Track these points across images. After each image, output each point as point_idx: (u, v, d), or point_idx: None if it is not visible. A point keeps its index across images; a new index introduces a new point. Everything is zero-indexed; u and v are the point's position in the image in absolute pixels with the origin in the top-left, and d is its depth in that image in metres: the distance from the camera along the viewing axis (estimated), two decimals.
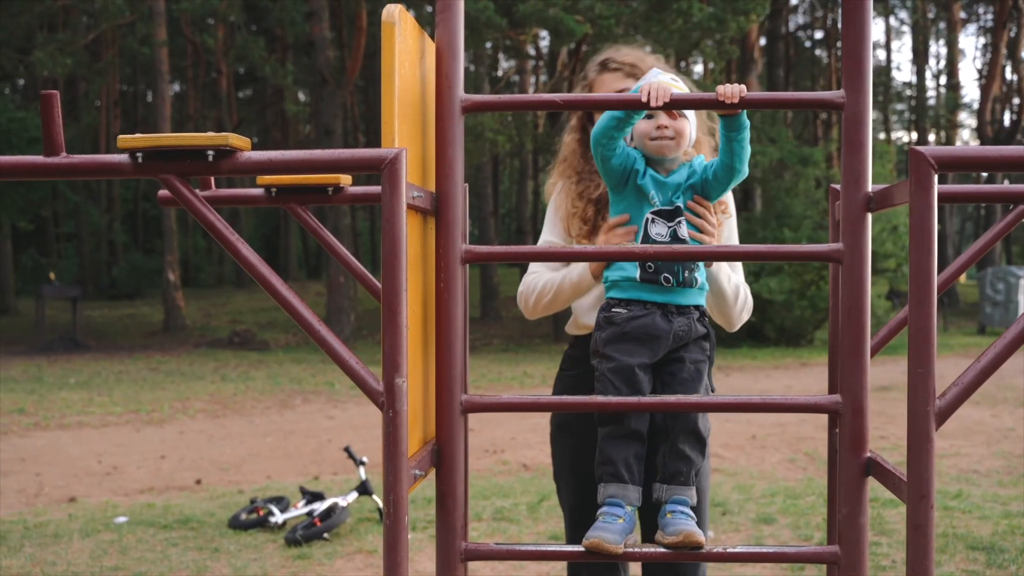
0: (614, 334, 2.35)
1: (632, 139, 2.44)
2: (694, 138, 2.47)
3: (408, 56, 2.14)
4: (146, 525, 6.15)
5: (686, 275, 2.35)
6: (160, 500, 7.15)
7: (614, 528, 2.18)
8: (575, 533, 2.84)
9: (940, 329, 25.71)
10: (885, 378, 13.23)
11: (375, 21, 26.45)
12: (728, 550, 2.22)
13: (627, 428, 2.31)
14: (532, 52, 27.34)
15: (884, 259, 21.66)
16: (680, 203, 2.37)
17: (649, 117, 2.38)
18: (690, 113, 2.45)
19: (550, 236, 2.86)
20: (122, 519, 6.33)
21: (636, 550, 2.21)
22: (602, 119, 2.34)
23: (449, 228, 2.17)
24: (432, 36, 2.24)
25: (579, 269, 2.66)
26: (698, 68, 32.72)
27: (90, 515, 6.53)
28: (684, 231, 2.35)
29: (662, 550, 2.18)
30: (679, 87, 2.37)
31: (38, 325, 23.75)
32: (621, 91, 2.79)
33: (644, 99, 2.09)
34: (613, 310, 2.38)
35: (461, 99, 2.18)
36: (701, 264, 2.43)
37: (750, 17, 20.26)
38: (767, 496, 6.69)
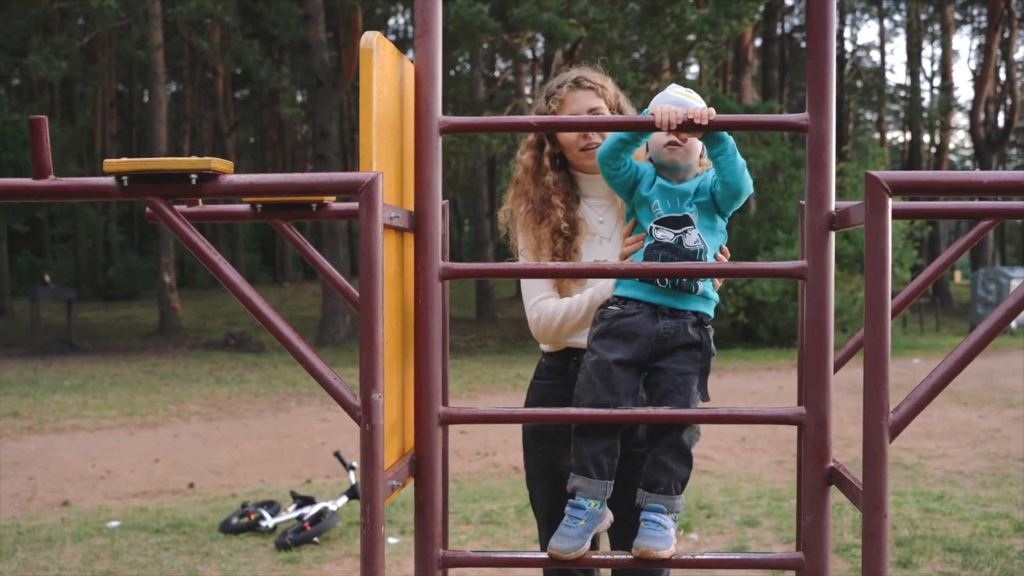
0: (601, 330, 2.43)
1: (648, 149, 2.50)
2: (699, 149, 2.51)
3: (386, 80, 2.21)
4: (138, 529, 6.21)
5: (683, 280, 2.40)
6: (153, 504, 7.21)
7: (574, 532, 2.29)
8: (550, 536, 2.91)
9: (932, 330, 25.82)
10: None
11: (371, 23, 26.50)
12: (696, 556, 2.30)
13: (592, 426, 2.38)
14: (529, 55, 27.39)
15: None
16: (690, 212, 2.41)
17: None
18: None
19: (542, 285, 2.85)
20: (114, 523, 6.40)
21: (602, 556, 2.29)
22: (609, 139, 2.42)
23: (427, 246, 2.24)
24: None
25: (609, 284, 2.66)
26: (693, 70, 32.80)
27: (83, 519, 6.59)
28: (690, 239, 2.38)
29: (627, 557, 2.27)
30: (691, 98, 2.42)
31: (33, 327, 23.80)
32: (592, 109, 2.85)
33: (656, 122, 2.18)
34: (609, 307, 2.45)
35: (439, 121, 2.25)
36: None
37: (742, 20, 20.35)
38: (753, 498, 6.77)
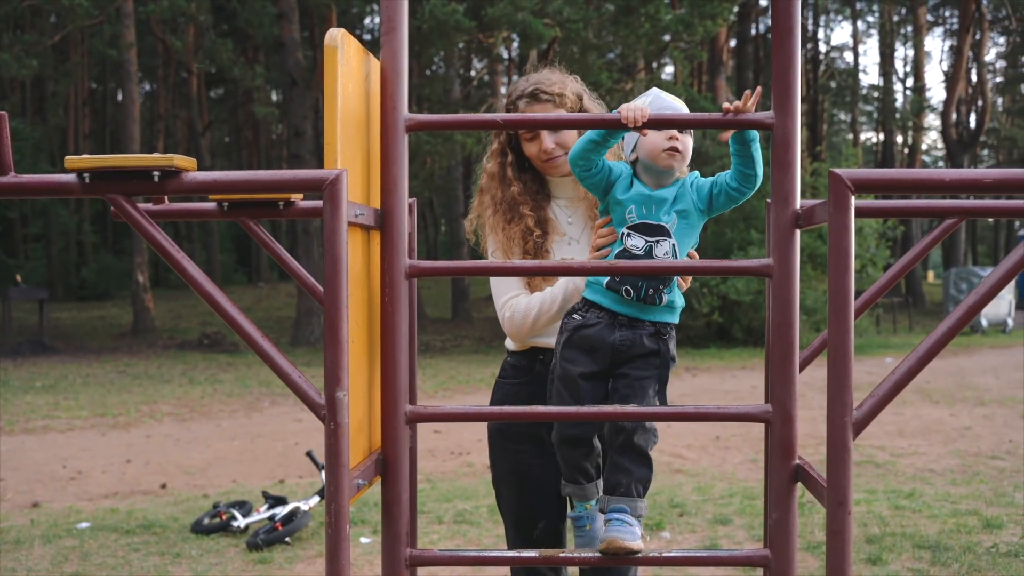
0: (564, 340, 2.46)
1: (634, 149, 2.47)
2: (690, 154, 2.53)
3: (351, 77, 2.20)
4: (108, 530, 6.16)
5: (649, 292, 2.40)
6: (124, 505, 7.15)
7: (586, 539, 2.46)
8: (517, 535, 2.91)
9: (905, 329, 26.04)
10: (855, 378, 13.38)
11: (346, 22, 26.40)
12: (663, 555, 2.30)
13: (568, 435, 2.45)
14: (504, 54, 27.38)
15: None
16: (665, 222, 2.39)
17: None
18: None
19: (513, 283, 2.84)
20: (84, 524, 6.34)
21: (570, 555, 2.29)
22: (580, 141, 2.39)
23: (394, 244, 2.23)
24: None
25: (582, 279, 2.62)
26: (668, 70, 32.90)
27: (53, 521, 6.53)
28: (661, 250, 2.37)
29: (595, 555, 2.27)
30: (678, 102, 2.44)
31: (4, 328, 23.53)
32: None
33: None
34: (572, 316, 2.47)
35: (405, 119, 2.24)
36: (674, 285, 2.46)
37: (717, 21, 20.45)
38: (725, 497, 6.79)
